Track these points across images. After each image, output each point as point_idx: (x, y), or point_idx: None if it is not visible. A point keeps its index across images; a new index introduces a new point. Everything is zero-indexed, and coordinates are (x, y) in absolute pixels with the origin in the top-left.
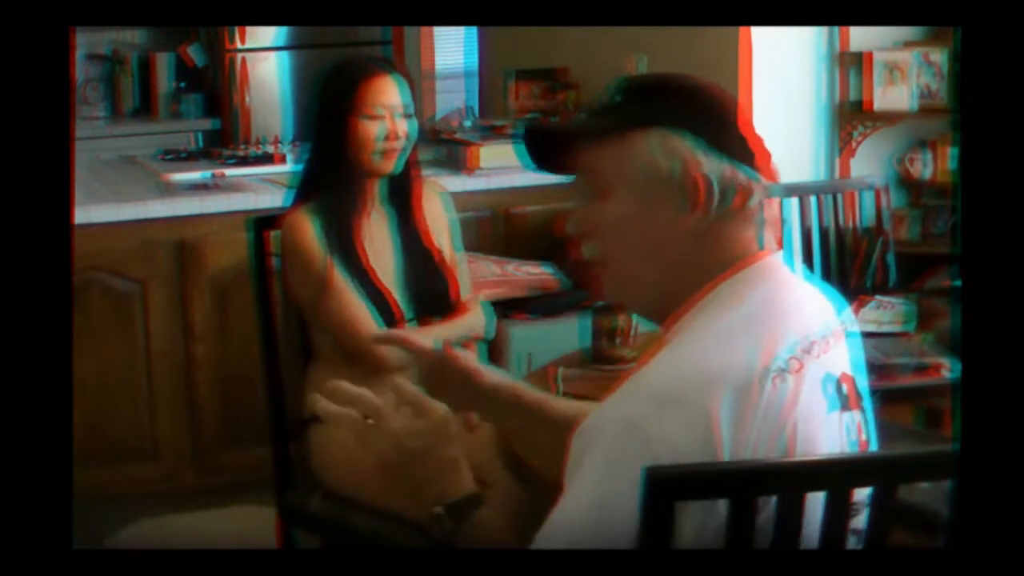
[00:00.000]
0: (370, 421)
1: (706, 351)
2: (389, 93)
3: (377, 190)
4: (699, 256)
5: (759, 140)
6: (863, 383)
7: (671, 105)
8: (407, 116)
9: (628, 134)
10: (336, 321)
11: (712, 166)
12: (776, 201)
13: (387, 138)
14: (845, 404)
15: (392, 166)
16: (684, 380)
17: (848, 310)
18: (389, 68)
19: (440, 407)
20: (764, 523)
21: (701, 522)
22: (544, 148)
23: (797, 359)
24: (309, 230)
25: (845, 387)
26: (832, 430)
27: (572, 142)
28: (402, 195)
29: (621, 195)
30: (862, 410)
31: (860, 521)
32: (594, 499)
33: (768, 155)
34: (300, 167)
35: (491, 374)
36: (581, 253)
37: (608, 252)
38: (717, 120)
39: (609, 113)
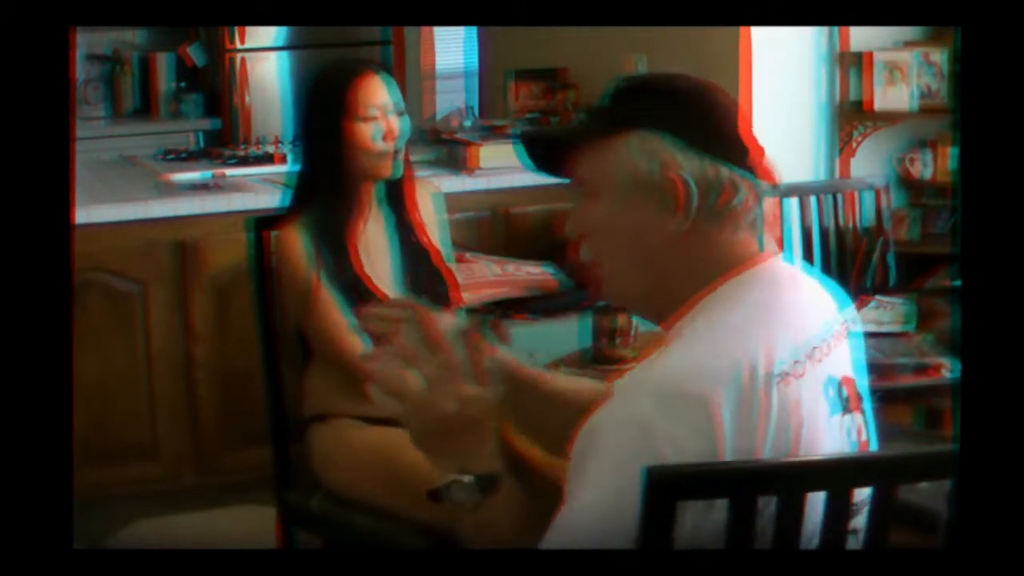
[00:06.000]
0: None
1: (707, 352)
2: (380, 92)
3: (373, 193)
4: (691, 257)
5: (751, 139)
6: (863, 384)
7: (652, 106)
8: (399, 114)
9: (612, 137)
10: (321, 340)
11: (691, 166)
12: (774, 201)
13: (385, 138)
14: (846, 407)
15: (391, 168)
16: (687, 380)
17: (851, 308)
18: (375, 68)
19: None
20: (764, 523)
21: (696, 521)
22: (541, 152)
23: (800, 363)
24: (297, 247)
25: (846, 390)
26: (834, 433)
27: (565, 145)
28: (398, 196)
29: (608, 198)
30: (862, 412)
31: (860, 521)
32: (601, 501)
33: (761, 154)
34: (295, 173)
35: (501, 352)
36: (579, 255)
37: (601, 254)
38: (699, 120)
39: (596, 116)
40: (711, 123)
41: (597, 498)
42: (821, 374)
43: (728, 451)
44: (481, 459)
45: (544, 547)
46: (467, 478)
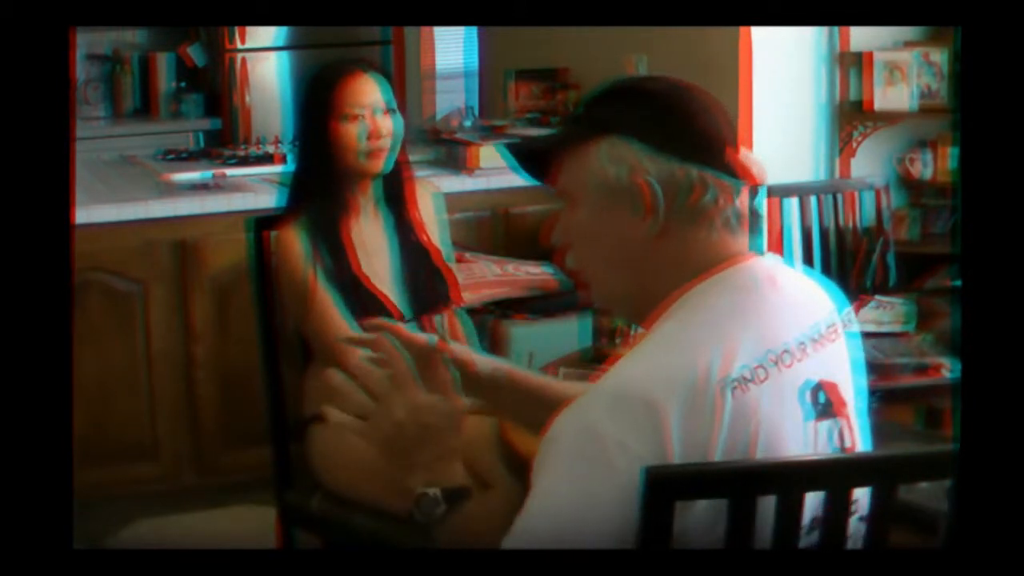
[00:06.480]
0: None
1: (664, 357)
2: (365, 92)
3: (371, 192)
4: (667, 259)
5: (727, 137)
6: (859, 384)
7: (620, 111)
8: (389, 112)
9: (585, 145)
10: (320, 342)
11: (658, 169)
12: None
13: (370, 137)
14: (825, 412)
15: (381, 165)
16: (637, 386)
17: (847, 310)
18: (364, 67)
19: (462, 397)
20: (762, 523)
21: (686, 520)
22: (527, 162)
23: (764, 369)
24: (295, 248)
25: (825, 394)
26: (805, 439)
27: (547, 155)
28: (398, 196)
29: (584, 205)
30: (847, 415)
31: (860, 521)
32: (553, 504)
33: (737, 151)
34: (290, 173)
35: (484, 362)
36: (563, 262)
37: (583, 260)
38: (665, 122)
39: (572, 124)
40: (677, 124)
41: (550, 501)
42: (793, 379)
43: (677, 457)
44: (445, 472)
45: (507, 545)
46: (432, 491)
